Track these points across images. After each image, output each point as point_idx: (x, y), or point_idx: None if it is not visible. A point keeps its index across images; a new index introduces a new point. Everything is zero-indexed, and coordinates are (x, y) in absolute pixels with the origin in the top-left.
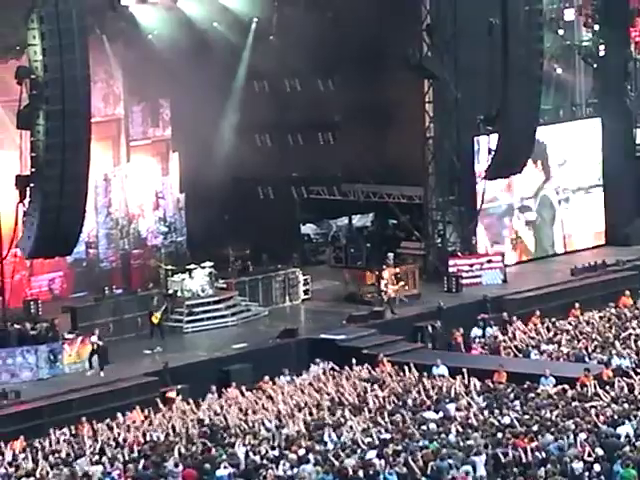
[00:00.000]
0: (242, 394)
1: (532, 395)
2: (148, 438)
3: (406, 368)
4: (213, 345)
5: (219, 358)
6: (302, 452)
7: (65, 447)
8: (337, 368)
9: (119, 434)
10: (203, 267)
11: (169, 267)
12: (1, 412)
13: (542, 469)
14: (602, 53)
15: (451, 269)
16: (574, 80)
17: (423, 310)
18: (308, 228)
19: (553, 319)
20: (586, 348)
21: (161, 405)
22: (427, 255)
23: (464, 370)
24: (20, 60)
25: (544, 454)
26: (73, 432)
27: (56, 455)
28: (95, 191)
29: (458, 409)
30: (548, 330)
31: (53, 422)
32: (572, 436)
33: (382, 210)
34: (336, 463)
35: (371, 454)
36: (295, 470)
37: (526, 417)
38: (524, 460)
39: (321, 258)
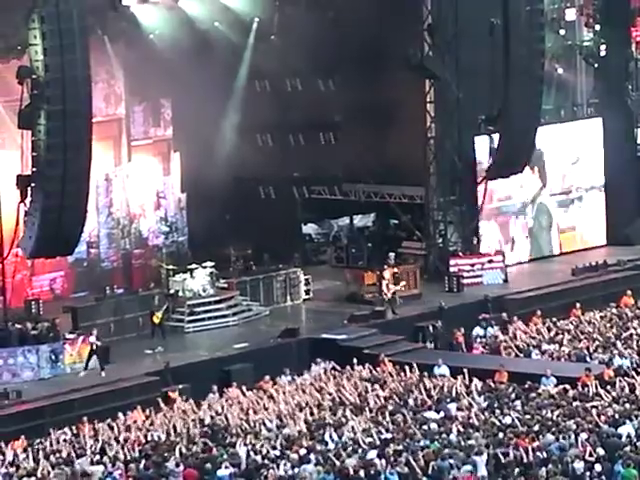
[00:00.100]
0: (243, 394)
1: (533, 395)
2: (149, 438)
3: (407, 368)
4: (214, 345)
5: (220, 358)
6: (303, 452)
7: (66, 447)
8: (338, 368)
9: (120, 434)
10: (204, 267)
11: (170, 267)
12: (2, 412)
13: (543, 469)
14: (603, 53)
15: (452, 269)
16: (575, 80)
17: (424, 310)
18: (309, 228)
19: (554, 319)
20: (587, 348)
21: (162, 405)
22: (428, 255)
23: (465, 370)
24: (21, 60)
25: (545, 454)
26: (74, 432)
27: (57, 455)
28: (96, 191)
29: (459, 409)
30: (549, 330)
31: (54, 422)
32: (573, 436)
33: (383, 210)
34: (337, 463)
35: (372, 454)
36: (296, 470)
37: (527, 417)
38: (525, 460)
39: (322, 258)
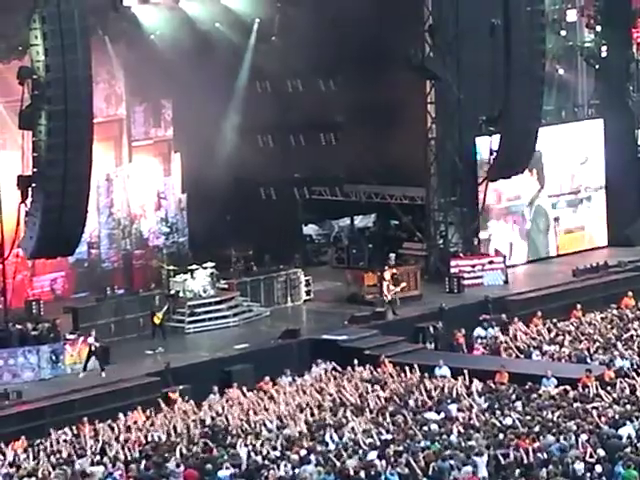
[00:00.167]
0: (244, 395)
1: (534, 396)
2: (150, 438)
3: (407, 369)
4: (215, 345)
5: (221, 358)
6: (303, 453)
7: (67, 447)
8: (339, 369)
9: (120, 434)
10: (205, 267)
11: (171, 267)
12: (3, 412)
13: (544, 470)
14: (604, 54)
15: (453, 270)
16: (576, 81)
17: (425, 311)
18: (310, 229)
19: (555, 320)
20: (588, 349)
21: (163, 405)
22: (429, 256)
23: (465, 371)
24: (22, 60)
25: (546, 455)
26: (75, 432)
27: (57, 455)
28: (97, 191)
29: (460, 410)
30: (549, 331)
31: (55, 422)
32: (574, 437)
33: (384, 211)
34: (338, 464)
35: (372, 455)
36: (296, 471)
37: (528, 418)
38: (525, 461)
39: (323, 259)
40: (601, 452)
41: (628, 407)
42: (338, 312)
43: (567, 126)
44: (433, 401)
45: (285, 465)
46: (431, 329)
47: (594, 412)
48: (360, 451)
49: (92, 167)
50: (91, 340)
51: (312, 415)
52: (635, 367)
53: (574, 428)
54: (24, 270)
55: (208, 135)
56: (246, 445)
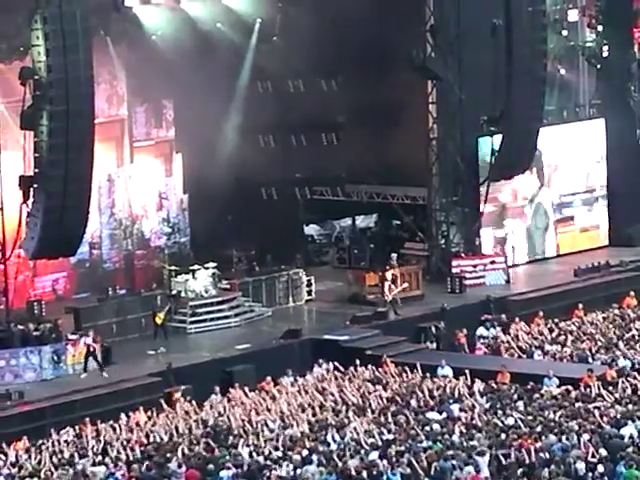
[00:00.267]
0: (246, 395)
1: (536, 396)
2: (152, 439)
3: (409, 369)
4: (216, 346)
5: (222, 359)
6: (305, 453)
7: (69, 448)
8: (341, 369)
9: (122, 435)
10: (206, 268)
11: (172, 268)
12: (5, 413)
13: (546, 470)
14: (606, 54)
15: (454, 270)
16: (578, 81)
17: (426, 311)
18: (311, 229)
19: (556, 320)
20: (589, 349)
21: (165, 406)
22: (430, 256)
23: (466, 371)
24: (24, 61)
25: (548, 455)
26: (77, 433)
27: (59, 456)
28: (99, 192)
29: (462, 410)
30: (551, 331)
31: (57, 423)
32: (576, 437)
33: (386, 211)
34: (339, 464)
35: (374, 455)
36: (298, 471)
37: (529, 418)
38: (527, 461)
39: (324, 259)
40: (603, 452)
41: (630, 407)
42: (340, 312)
43: (568, 126)
44: (435, 401)
45: (287, 465)
46: (433, 329)
47: (596, 412)
48: (362, 451)
49: (94, 167)
50: (89, 341)
51: (314, 415)
52: (637, 367)
53: (576, 428)
54: (26, 271)
55: (209, 135)
56: (248, 445)
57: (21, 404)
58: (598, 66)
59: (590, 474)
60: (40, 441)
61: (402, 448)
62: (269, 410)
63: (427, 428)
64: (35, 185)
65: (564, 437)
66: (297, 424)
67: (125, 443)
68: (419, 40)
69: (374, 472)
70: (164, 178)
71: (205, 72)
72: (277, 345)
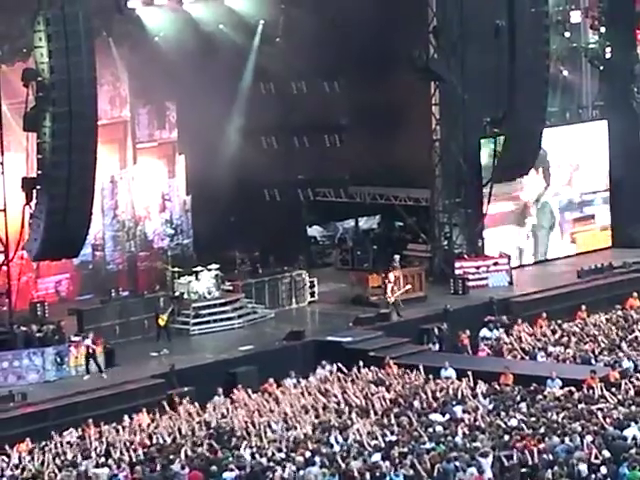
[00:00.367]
0: (249, 396)
1: (539, 397)
2: (154, 440)
3: (413, 370)
4: (219, 347)
5: (225, 360)
6: (308, 454)
7: (72, 449)
8: (345, 370)
9: (125, 436)
10: (209, 269)
11: (175, 269)
12: (8, 414)
13: (549, 471)
14: (608, 55)
15: (457, 271)
16: (580, 82)
17: (429, 312)
18: (314, 230)
19: (559, 321)
20: (593, 350)
21: (167, 408)
22: (433, 257)
23: (469, 373)
24: (26, 62)
25: (551, 456)
26: (80, 434)
27: (62, 458)
28: (101, 193)
29: (465, 411)
30: (554, 332)
31: (60, 424)
32: (578, 438)
33: (389, 212)
34: (342, 465)
35: (377, 456)
36: (301, 472)
37: (532, 419)
38: (530, 462)
39: (327, 260)
40: (606, 453)
41: (633, 408)
42: (343, 314)
43: (571, 127)
44: (438, 403)
45: (290, 467)
46: (436, 330)
47: (599, 413)
48: (365, 453)
49: (96, 169)
50: (88, 342)
51: (317, 417)
52: None
53: (579, 429)
54: (29, 272)
55: (212, 137)
56: (251, 447)
57: (24, 405)
58: (601, 67)
59: (593, 476)
60: (43, 443)
61: (405, 450)
62: (272, 412)
63: (430, 430)
64: (38, 187)
65: (567, 438)
66: (300, 426)
67: (128, 444)
68: (422, 41)
69: (377, 474)
70: (167, 179)
71: (208, 73)
72: (280, 347)
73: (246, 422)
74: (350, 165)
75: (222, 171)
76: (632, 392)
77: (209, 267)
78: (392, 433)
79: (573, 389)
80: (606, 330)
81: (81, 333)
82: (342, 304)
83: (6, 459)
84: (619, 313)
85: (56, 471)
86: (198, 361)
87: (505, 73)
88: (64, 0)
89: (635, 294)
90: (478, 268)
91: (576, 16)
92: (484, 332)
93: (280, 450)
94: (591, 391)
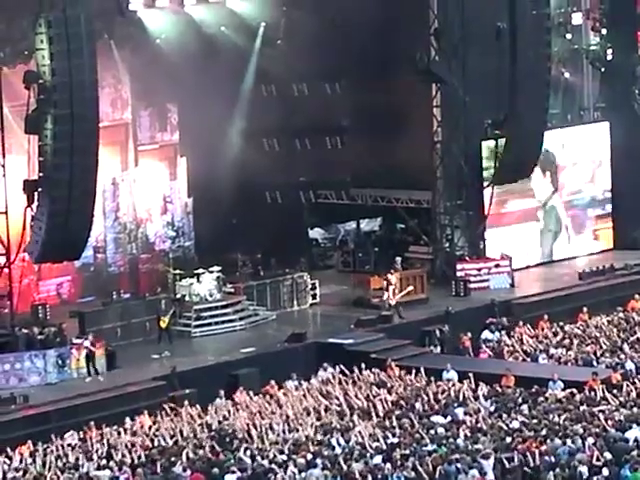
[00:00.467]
0: (250, 398)
1: (540, 399)
2: (156, 442)
3: (414, 372)
4: (221, 349)
5: (227, 362)
6: (310, 456)
7: (73, 452)
8: (347, 372)
9: (127, 438)
10: (211, 271)
11: (177, 271)
12: (9, 416)
13: (551, 473)
14: (610, 57)
15: (459, 273)
16: (582, 84)
17: (431, 314)
18: (316, 232)
19: (561, 323)
20: (594, 352)
21: (169, 410)
22: (435, 259)
23: (470, 375)
24: (28, 65)
25: (553, 458)
26: (81, 437)
27: (64, 460)
28: (103, 195)
29: (466, 413)
30: (555, 334)
31: (61, 427)
32: (580, 440)
33: (390, 214)
34: (344, 467)
35: (379, 458)
36: (303, 474)
37: (534, 421)
38: (532, 464)
39: (329, 262)
40: (608, 455)
41: (635, 410)
42: (344, 316)
43: (573, 129)
44: (440, 405)
45: (291, 469)
46: (437, 332)
47: (601, 415)
48: (367, 455)
49: (98, 171)
50: (87, 344)
51: (319, 419)
52: None
53: (581, 431)
54: (30, 274)
55: (214, 139)
56: (252, 449)
57: (26, 408)
58: (602, 69)
59: (595, 478)
60: (45, 445)
61: (407, 452)
62: (274, 414)
63: (432, 432)
64: (39, 189)
65: (569, 441)
66: (302, 428)
67: (130, 447)
68: (423, 43)
69: (379, 476)
70: (168, 182)
71: (209, 76)
72: (282, 349)
73: (248, 424)
74: (351, 167)
75: (224, 173)
76: (634, 394)
77: (211, 269)
78: (394, 435)
79: (575, 391)
80: (608, 332)
81: (82, 335)
82: (344, 306)
83: (8, 461)
84: (621, 315)
85: (58, 473)
86: (200, 363)
87: (506, 75)
88: (66, 2)
89: (637, 296)
90: (479, 270)
91: (577, 18)
92: (485, 334)
93: (282, 452)
94: (593, 393)
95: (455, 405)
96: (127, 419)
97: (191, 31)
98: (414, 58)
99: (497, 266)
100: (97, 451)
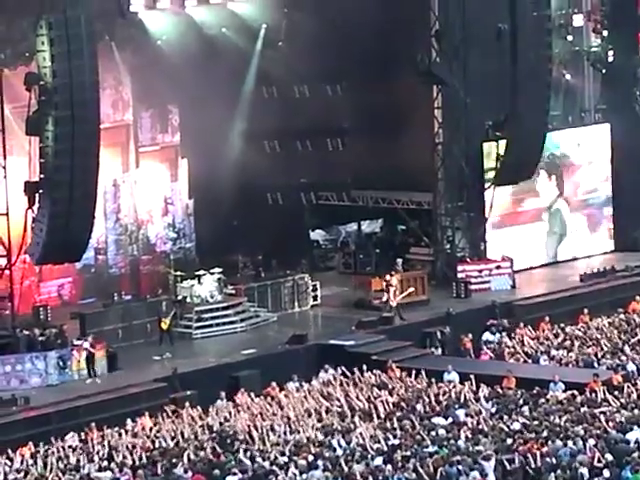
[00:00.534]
0: (252, 400)
1: (541, 401)
2: (157, 444)
3: (415, 374)
4: (222, 351)
5: (228, 364)
6: (311, 458)
7: (74, 453)
8: (348, 373)
9: (128, 440)
10: (212, 273)
11: (178, 273)
12: (10, 418)
13: (552, 475)
14: (611, 59)
15: (460, 275)
16: (583, 86)
17: (432, 316)
18: (317, 234)
19: (562, 325)
20: (595, 354)
21: (169, 412)
22: (436, 261)
23: (472, 376)
24: (29, 66)
25: (554, 460)
26: (82, 438)
27: (65, 461)
28: (104, 197)
29: (468, 415)
30: (556, 336)
31: (62, 428)
32: (581, 442)
33: (391, 216)
34: (345, 469)
35: (380, 460)
36: (304, 476)
37: (535, 423)
38: (533, 466)
39: (330, 264)
40: (609, 457)
41: (636, 412)
42: (345, 317)
43: (574, 131)
44: (441, 406)
45: (293, 470)
46: (438, 334)
47: (602, 417)
48: (368, 456)
49: (99, 173)
50: (86, 345)
51: (320, 420)
52: None
53: (582, 433)
54: (31, 276)
55: (215, 140)
56: (254, 450)
57: (27, 409)
58: (603, 71)
59: (596, 479)
60: (46, 447)
61: (408, 453)
62: (275, 415)
63: (433, 433)
64: (40, 190)
65: (570, 442)
66: (303, 429)
67: (131, 448)
68: (424, 45)
69: (380, 477)
70: (169, 183)
71: (210, 77)
72: (283, 350)
73: (249, 426)
74: (352, 169)
75: (224, 175)
76: (635, 395)
77: (212, 271)
78: (395, 437)
79: (576, 392)
80: (609, 334)
81: (83, 337)
82: (345, 308)
83: (9, 463)
84: (622, 317)
85: (59, 475)
86: (201, 365)
87: (507, 77)
88: (66, 4)
89: (638, 297)
90: (480, 271)
91: (578, 19)
92: (486, 336)
93: (283, 454)
94: (594, 394)
95: (456, 407)
96: (128, 420)
97: (192, 32)
98: (415, 59)
99: (498, 267)
100: (98, 452)
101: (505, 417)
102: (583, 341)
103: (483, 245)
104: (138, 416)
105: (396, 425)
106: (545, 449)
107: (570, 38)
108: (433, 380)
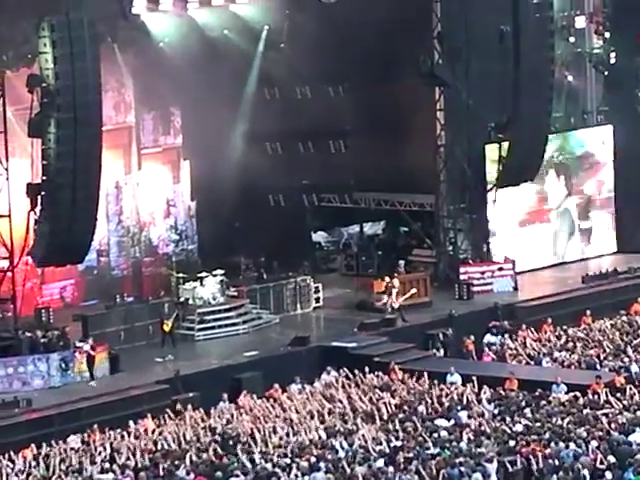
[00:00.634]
0: (254, 402)
1: (544, 402)
2: (159, 446)
3: (417, 376)
4: (224, 353)
5: (230, 366)
6: (313, 460)
7: (76, 455)
8: (350, 375)
9: (130, 442)
10: (214, 275)
11: (180, 275)
12: (13, 420)
13: (554, 476)
14: (613, 61)
15: (462, 277)
16: (585, 87)
17: (434, 318)
18: (319, 236)
19: (564, 327)
20: (598, 356)
21: (171, 414)
22: (438, 263)
23: (474, 378)
24: (31, 68)
25: (556, 462)
26: (85, 440)
27: (67, 463)
28: (106, 199)
29: (470, 417)
30: (559, 338)
31: (64, 430)
32: (584, 444)
33: (393, 218)
34: (347, 471)
35: (382, 462)
36: (306, 478)
37: (538, 425)
38: (535, 468)
39: (332, 266)
40: (611, 459)
41: (638, 414)
42: (347, 319)
43: (576, 133)
44: (443, 408)
45: (295, 472)
46: (441, 336)
47: (604, 419)
48: (370, 458)
49: (101, 175)
50: (87, 347)
51: (322, 422)
52: None
53: (584, 435)
54: (34, 278)
55: (217, 142)
56: (256, 452)
57: (29, 411)
58: (605, 73)
59: None
60: (48, 449)
61: (410, 455)
62: (277, 417)
63: (435, 435)
64: (43, 192)
65: (572, 444)
66: (305, 431)
67: (133, 450)
68: (426, 47)
69: (382, 479)
70: (172, 185)
71: (212, 79)
72: (285, 352)
73: (251, 428)
74: (355, 170)
75: (227, 176)
76: (637, 397)
77: (214, 273)
78: (397, 438)
79: (578, 394)
80: (611, 335)
81: (85, 339)
82: (347, 309)
83: (11, 465)
84: (624, 318)
85: (62, 476)
86: (203, 367)
87: (510, 78)
88: (69, 6)
89: None
90: (483, 273)
91: (581, 21)
92: (488, 337)
93: (285, 455)
94: (596, 396)
95: (458, 408)
96: (130, 422)
97: (194, 34)
98: (417, 61)
99: (500, 269)
100: (100, 454)
101: (507, 419)
102: (585, 343)
103: (486, 247)
104: (140, 418)
105: (398, 427)
106: (547, 451)
107: (572, 40)
108: (435, 382)
